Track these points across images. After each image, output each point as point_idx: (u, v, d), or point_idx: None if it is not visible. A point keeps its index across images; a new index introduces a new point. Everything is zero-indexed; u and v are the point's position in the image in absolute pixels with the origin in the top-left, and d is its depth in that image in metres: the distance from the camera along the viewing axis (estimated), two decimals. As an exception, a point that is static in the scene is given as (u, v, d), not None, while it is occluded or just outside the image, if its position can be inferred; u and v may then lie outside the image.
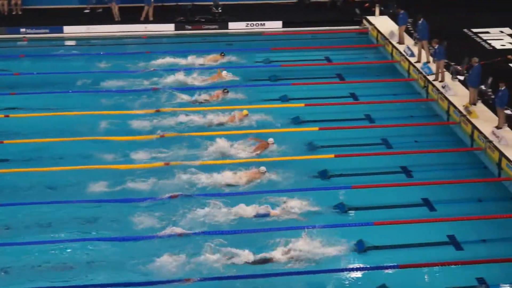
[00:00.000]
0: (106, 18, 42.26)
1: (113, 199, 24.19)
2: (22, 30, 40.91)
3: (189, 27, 41.81)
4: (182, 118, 29.96)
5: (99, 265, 21.17)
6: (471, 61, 30.41)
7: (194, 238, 21.94)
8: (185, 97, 31.78)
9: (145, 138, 28.37)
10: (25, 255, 21.50)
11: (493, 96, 29.16)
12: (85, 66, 36.42)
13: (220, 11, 42.67)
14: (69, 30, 41.14)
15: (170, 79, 33.73)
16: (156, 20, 41.89)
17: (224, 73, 34.00)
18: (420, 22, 35.27)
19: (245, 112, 30.00)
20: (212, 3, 42.91)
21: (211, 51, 37.62)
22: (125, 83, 33.82)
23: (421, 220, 23.20)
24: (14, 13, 43.03)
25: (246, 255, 21.06)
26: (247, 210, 23.28)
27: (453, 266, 21.04)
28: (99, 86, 33.57)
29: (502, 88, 27.55)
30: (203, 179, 25.18)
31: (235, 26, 42.15)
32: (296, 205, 23.51)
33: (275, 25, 42.28)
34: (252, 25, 42.21)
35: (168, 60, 36.32)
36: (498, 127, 27.58)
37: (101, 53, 37.81)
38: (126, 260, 21.24)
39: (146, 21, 41.83)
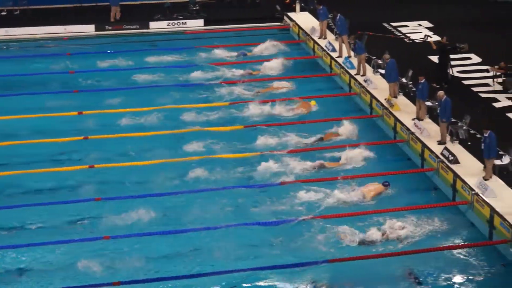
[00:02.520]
0: (24, 20, 41.75)
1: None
2: None
3: (110, 28, 41.48)
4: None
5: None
6: (383, 57, 30.97)
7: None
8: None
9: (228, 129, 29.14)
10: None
11: (414, 89, 29.67)
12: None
13: (197, 8, 42.59)
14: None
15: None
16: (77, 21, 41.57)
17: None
18: (337, 18, 35.74)
19: (313, 102, 30.69)
20: (188, 0, 42.93)
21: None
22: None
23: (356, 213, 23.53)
24: None
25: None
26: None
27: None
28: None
29: (422, 81, 28.05)
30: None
31: (156, 26, 41.96)
32: None
33: (196, 23, 42.24)
34: (173, 24, 42.08)
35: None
36: (419, 119, 28.08)
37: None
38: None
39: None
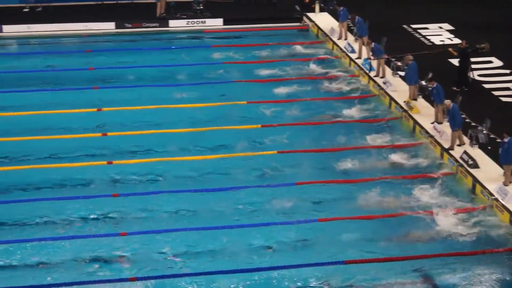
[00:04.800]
0: (45, 17, 41.98)
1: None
2: (-41, 29, 40.45)
3: (129, 25, 41.60)
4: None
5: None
6: (405, 59, 30.88)
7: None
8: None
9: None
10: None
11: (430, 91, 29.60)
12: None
13: (201, 7, 42.66)
14: (8, 29, 40.63)
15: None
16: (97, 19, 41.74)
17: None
18: (356, 20, 35.74)
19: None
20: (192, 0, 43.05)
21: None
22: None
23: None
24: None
25: None
26: None
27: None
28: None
29: (434, 85, 27.95)
30: None
31: (175, 24, 42.04)
32: None
33: (216, 23, 42.27)
34: (192, 22, 42.13)
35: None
36: (438, 122, 28.00)
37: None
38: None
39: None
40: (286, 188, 25.03)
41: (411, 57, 30.43)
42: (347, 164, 26.45)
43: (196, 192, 24.79)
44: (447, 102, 26.65)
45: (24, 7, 43.50)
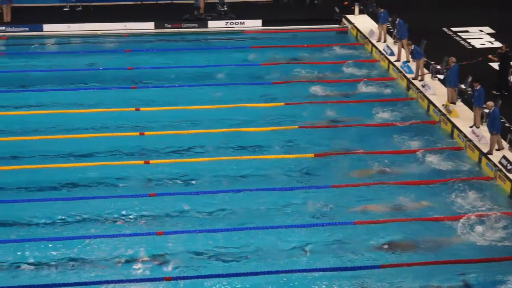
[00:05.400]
0: (85, 16, 42.34)
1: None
2: (2, 28, 40.82)
3: (169, 25, 41.78)
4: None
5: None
6: (448, 61, 30.60)
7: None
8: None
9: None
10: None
11: (471, 94, 29.33)
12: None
13: (225, 9, 42.75)
14: (49, 28, 41.02)
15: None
16: (137, 18, 41.93)
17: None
18: (396, 22, 35.57)
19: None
20: (217, 1, 43.02)
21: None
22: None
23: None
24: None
25: None
26: None
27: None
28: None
29: (477, 88, 27.70)
30: None
31: (214, 25, 42.12)
32: None
33: (254, 24, 42.29)
34: (231, 23, 42.19)
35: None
36: (477, 126, 27.74)
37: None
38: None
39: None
40: (322, 190, 24.95)
41: (454, 59, 30.14)
42: (384, 167, 26.30)
43: (231, 193, 24.81)
44: (490, 103, 26.35)
45: (65, 7, 43.88)
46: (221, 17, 42.44)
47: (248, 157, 27.24)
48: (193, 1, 43.08)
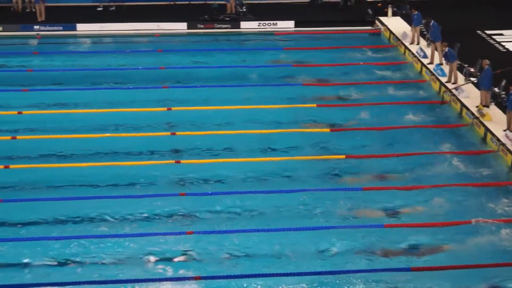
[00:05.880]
0: (118, 16, 42.60)
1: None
2: (36, 27, 41.18)
3: (202, 26, 41.89)
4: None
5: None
6: (482, 63, 30.37)
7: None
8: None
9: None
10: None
11: (506, 99, 29.08)
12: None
13: (244, 10, 42.80)
14: (82, 28, 41.31)
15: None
16: (169, 19, 42.07)
17: None
18: (431, 24, 35.38)
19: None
20: (237, 2, 43.10)
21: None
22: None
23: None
24: (28, 10, 43.32)
25: None
26: None
27: None
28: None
29: (512, 91, 27.53)
30: None
31: (247, 26, 42.17)
32: None
33: (287, 25, 42.27)
34: (264, 24, 42.22)
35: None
36: (510, 130, 27.51)
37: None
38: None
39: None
40: (353, 192, 24.86)
41: (487, 61, 29.91)
42: (416, 170, 26.17)
43: (262, 194, 24.80)
44: None
45: (98, 6, 44.19)
46: (239, 18, 42.45)
47: (278, 158, 27.23)
48: (214, 2, 43.12)
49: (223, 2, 43.34)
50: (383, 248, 22.00)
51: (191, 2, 44.93)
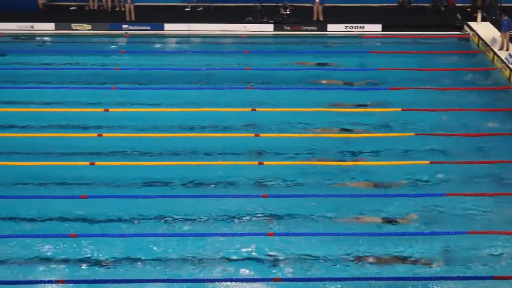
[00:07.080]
0: (206, 16, 42.96)
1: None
2: (124, 26, 41.81)
3: (288, 28, 41.93)
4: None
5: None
6: None
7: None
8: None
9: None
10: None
11: None
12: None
13: (288, 12, 42.69)
14: (170, 27, 41.80)
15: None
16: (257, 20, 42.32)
17: None
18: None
19: None
20: (281, 4, 43.03)
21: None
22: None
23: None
24: (117, 9, 44.06)
25: None
26: None
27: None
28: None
29: None
30: None
31: (334, 29, 42.03)
32: None
33: (374, 28, 41.98)
34: (351, 27, 42.01)
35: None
36: None
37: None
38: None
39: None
40: (436, 198, 24.53)
41: None
42: (501, 177, 25.68)
43: (345, 198, 24.67)
44: None
45: (186, 7, 44.65)
46: (284, 20, 42.24)
47: (360, 162, 27.07)
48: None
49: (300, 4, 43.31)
50: (465, 255, 21.74)
51: (278, 5, 44.85)
